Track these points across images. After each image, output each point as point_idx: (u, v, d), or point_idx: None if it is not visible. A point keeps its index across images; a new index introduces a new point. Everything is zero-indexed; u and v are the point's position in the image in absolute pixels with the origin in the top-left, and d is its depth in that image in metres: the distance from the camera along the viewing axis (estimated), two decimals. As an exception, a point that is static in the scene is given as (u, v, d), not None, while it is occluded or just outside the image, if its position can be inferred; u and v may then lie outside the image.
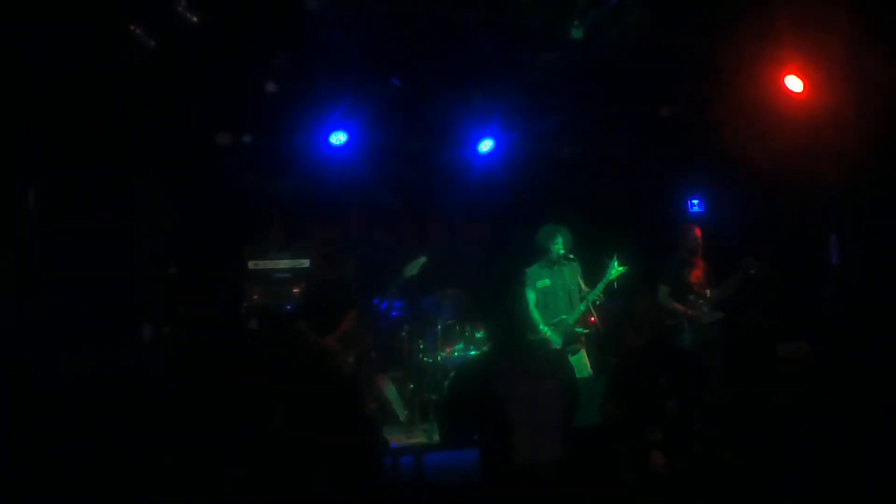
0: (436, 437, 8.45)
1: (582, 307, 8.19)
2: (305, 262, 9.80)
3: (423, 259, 8.78)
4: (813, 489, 5.11)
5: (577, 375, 7.29)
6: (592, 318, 8.24)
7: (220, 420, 7.84)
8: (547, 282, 8.32)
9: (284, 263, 9.78)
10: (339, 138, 9.43)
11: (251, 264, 9.69)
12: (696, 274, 8.90)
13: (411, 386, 9.33)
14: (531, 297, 8.29)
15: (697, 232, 9.03)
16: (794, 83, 8.73)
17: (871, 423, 5.52)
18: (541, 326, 8.11)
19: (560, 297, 8.31)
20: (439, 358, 9.09)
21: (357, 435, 6.92)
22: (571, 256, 8.30)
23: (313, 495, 6.31)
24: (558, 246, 8.26)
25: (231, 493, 6.96)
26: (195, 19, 6.83)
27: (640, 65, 8.73)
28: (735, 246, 9.22)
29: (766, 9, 7.75)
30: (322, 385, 7.54)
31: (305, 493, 6.37)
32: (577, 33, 7.72)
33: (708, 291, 8.81)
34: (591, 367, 8.33)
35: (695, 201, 11.49)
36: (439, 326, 9.25)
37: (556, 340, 8.11)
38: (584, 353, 8.30)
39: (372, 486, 6.83)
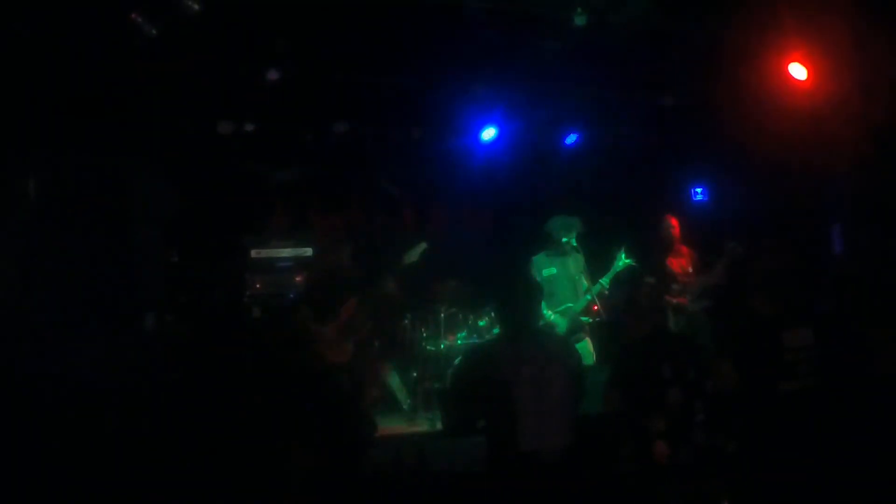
0: (438, 425, 8.46)
1: (588, 296, 8.24)
2: (308, 251, 9.80)
3: (423, 245, 8.78)
4: (817, 478, 5.10)
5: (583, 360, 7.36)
6: (595, 307, 8.28)
7: (222, 408, 7.84)
8: (553, 270, 8.35)
9: (287, 252, 9.77)
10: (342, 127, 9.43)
11: (253, 253, 9.69)
12: (680, 262, 8.94)
13: (414, 374, 9.33)
14: None
15: (673, 221, 9.06)
16: (798, 71, 8.69)
17: (876, 413, 5.50)
18: (546, 312, 8.12)
19: (565, 285, 8.35)
20: (442, 346, 9.08)
21: (338, 422, 6.92)
22: (575, 246, 8.33)
23: (295, 483, 6.31)
24: (570, 237, 8.30)
25: (223, 480, 6.97)
26: (196, 7, 6.81)
27: (644, 52, 8.70)
28: (738, 234, 9.22)
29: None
30: (306, 373, 7.55)
31: (288, 481, 6.37)
32: (580, 20, 7.70)
33: (692, 280, 8.85)
34: (595, 356, 8.36)
35: (698, 190, 11.47)
36: (442, 315, 9.25)
37: (562, 325, 8.15)
38: (588, 340, 8.33)
39: (355, 473, 6.84)
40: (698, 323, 8.71)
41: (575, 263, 8.40)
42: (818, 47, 8.48)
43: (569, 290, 8.33)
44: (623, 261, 8.29)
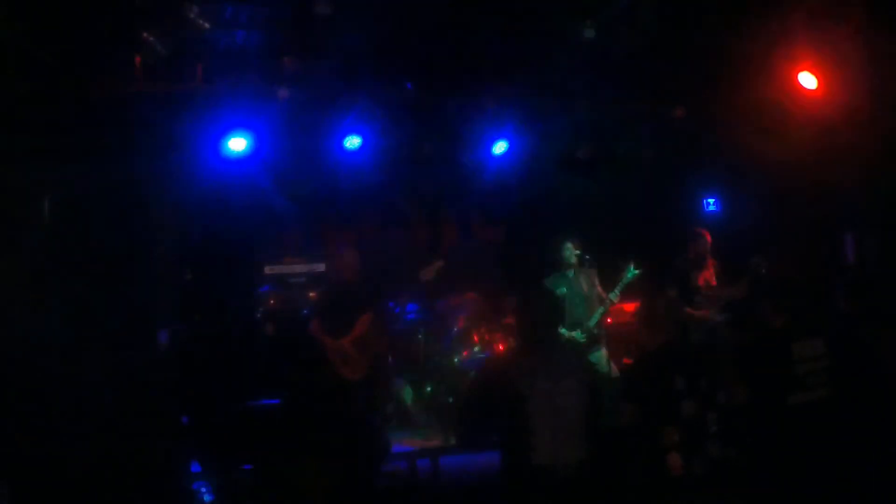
0: (452, 440, 8.46)
1: (601, 310, 8.26)
2: (321, 267, 9.82)
3: (439, 263, 8.79)
4: (829, 489, 5.08)
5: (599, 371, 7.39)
6: (609, 320, 8.31)
7: (236, 424, 7.86)
8: (563, 289, 8.39)
9: (300, 268, 9.80)
10: (353, 142, 9.43)
11: (267, 269, 9.71)
12: (705, 276, 8.93)
13: (428, 389, 9.33)
14: None
15: (707, 237, 9.05)
16: (808, 80, 8.67)
17: (888, 423, 5.48)
18: (561, 330, 8.16)
19: (577, 303, 8.41)
20: (455, 361, 9.08)
21: (353, 437, 6.94)
22: (587, 258, 8.35)
23: (310, 498, 6.35)
24: (570, 257, 8.38)
25: (239, 496, 6.99)
26: (207, 26, 6.85)
27: (654, 64, 8.71)
28: (750, 245, 9.20)
29: (779, 6, 7.72)
30: (320, 388, 7.56)
31: (303, 496, 6.40)
32: (589, 33, 7.71)
33: (716, 293, 8.83)
34: (610, 367, 8.37)
35: (710, 200, 11.45)
36: (455, 329, 9.25)
37: (579, 337, 8.20)
38: (603, 351, 8.37)
39: (369, 488, 6.85)
40: (719, 335, 8.69)
41: (587, 280, 8.44)
42: (828, 56, 8.48)
43: (581, 307, 8.39)
44: (632, 272, 8.34)
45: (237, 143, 8.82)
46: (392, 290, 9.11)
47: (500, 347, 9.07)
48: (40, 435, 6.32)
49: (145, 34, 7.04)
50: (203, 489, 7.16)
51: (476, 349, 9.24)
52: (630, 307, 9.14)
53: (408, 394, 9.38)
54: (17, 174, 6.79)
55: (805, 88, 8.69)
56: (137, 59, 7.34)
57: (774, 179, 9.83)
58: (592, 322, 8.30)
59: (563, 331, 8.19)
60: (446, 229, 11.27)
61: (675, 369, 5.06)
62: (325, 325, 8.06)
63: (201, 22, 6.80)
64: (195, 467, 7.45)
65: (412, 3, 7.53)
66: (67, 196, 6.86)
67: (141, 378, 6.81)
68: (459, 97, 9.28)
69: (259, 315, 9.60)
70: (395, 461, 8.01)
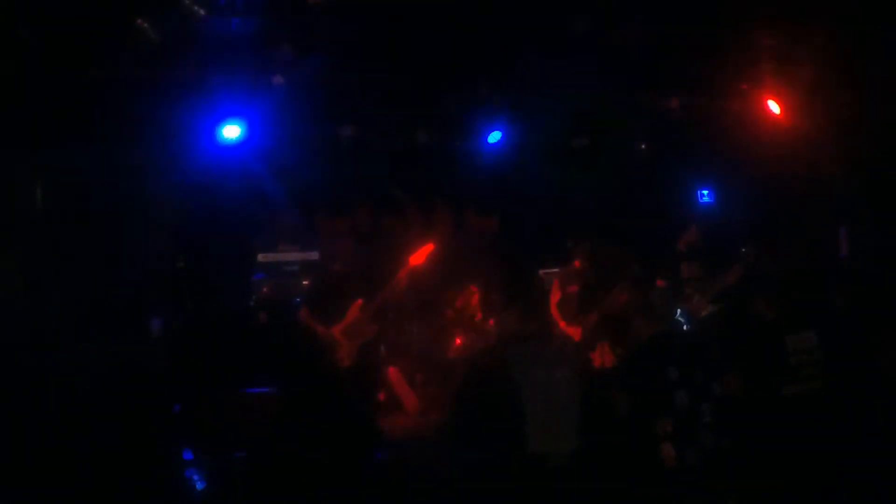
0: (446, 428, 8.46)
1: (598, 302, 8.36)
2: (315, 255, 9.80)
3: (429, 247, 8.79)
4: (822, 480, 5.10)
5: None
6: (603, 311, 8.37)
7: (227, 412, 7.86)
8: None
9: (294, 256, 9.77)
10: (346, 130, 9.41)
11: (260, 257, 9.69)
12: (696, 267, 8.96)
13: (421, 377, 9.31)
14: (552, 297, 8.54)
15: (696, 230, 9.09)
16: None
17: (881, 415, 5.50)
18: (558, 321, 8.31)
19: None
20: (449, 349, 9.07)
21: (343, 425, 6.93)
22: (584, 251, 8.47)
23: (306, 484, 6.33)
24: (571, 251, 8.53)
25: (231, 484, 6.99)
26: (202, 12, 6.83)
27: (651, 55, 8.71)
28: (744, 236, 9.22)
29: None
30: (315, 375, 7.56)
31: (298, 481, 6.39)
32: (585, 24, 7.71)
33: (707, 284, 8.85)
34: (604, 358, 8.43)
35: (704, 192, 11.45)
36: (448, 318, 9.23)
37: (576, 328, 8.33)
38: (599, 342, 8.46)
39: (361, 476, 6.85)
40: (710, 326, 8.72)
41: (585, 273, 8.59)
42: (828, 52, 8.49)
43: (579, 299, 8.49)
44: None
45: (231, 131, 8.80)
46: (386, 279, 9.09)
47: (494, 337, 9.06)
48: (31, 421, 6.31)
49: (139, 20, 7.01)
50: (195, 476, 7.15)
51: (470, 338, 9.22)
52: (623, 297, 9.18)
53: (401, 383, 9.36)
54: (10, 161, 6.76)
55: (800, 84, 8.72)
56: (131, 45, 7.30)
57: (769, 171, 9.85)
58: (587, 314, 8.39)
59: (560, 322, 8.27)
60: (440, 219, 11.25)
61: (668, 360, 5.06)
62: (316, 312, 8.05)
63: (196, 8, 6.77)
64: (187, 455, 7.44)
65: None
66: (60, 183, 6.84)
67: (133, 365, 6.80)
68: (454, 86, 9.27)
69: (252, 303, 9.57)
70: (388, 449, 8.00)
